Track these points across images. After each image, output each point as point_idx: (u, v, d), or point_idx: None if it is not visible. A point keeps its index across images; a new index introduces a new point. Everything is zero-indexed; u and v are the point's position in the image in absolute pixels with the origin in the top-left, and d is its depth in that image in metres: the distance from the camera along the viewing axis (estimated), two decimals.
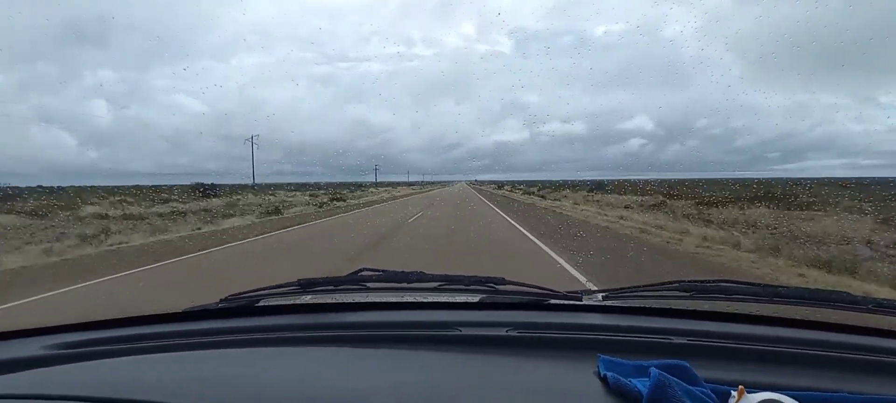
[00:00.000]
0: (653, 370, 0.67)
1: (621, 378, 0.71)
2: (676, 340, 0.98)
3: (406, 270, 1.29)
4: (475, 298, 1.24)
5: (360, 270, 1.31)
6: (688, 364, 0.73)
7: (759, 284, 1.22)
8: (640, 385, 0.67)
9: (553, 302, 1.22)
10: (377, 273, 1.30)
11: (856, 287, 6.08)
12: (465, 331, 1.04)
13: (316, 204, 25.13)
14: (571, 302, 1.22)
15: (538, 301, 1.22)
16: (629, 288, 1.29)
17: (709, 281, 1.21)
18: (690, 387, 0.66)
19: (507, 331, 1.03)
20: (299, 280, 1.27)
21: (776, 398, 0.63)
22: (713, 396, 0.67)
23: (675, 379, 0.65)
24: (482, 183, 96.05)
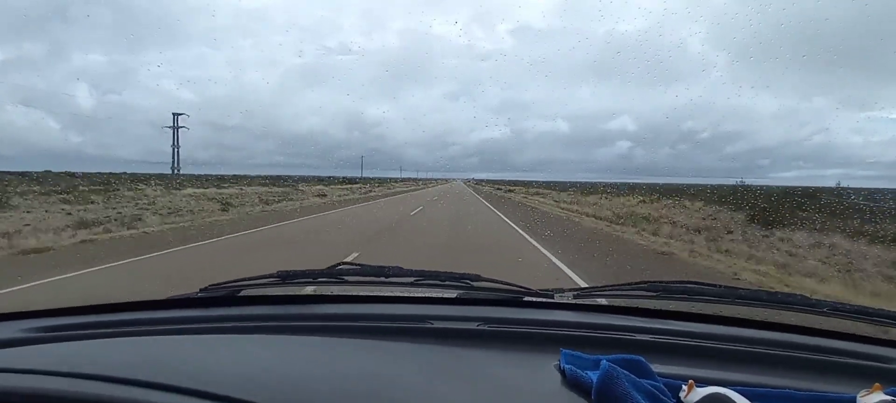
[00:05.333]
0: (603, 362, 0.70)
1: (578, 370, 0.76)
2: (639, 337, 1.04)
3: (384, 265, 1.34)
4: (449, 294, 1.32)
5: (339, 264, 1.37)
6: (643, 359, 0.77)
7: (722, 286, 1.28)
8: (594, 377, 0.70)
9: (525, 299, 1.28)
10: (355, 267, 1.36)
11: None
12: (437, 324, 1.08)
13: None
14: (543, 300, 1.28)
15: (511, 298, 1.29)
16: (600, 287, 1.35)
17: (675, 283, 1.27)
18: (640, 380, 0.70)
19: (477, 325, 1.07)
20: (278, 271, 1.32)
21: (722, 391, 0.67)
22: (664, 389, 0.71)
23: (625, 372, 0.69)
24: (500, 185, 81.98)
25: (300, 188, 35.63)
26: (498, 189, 59.29)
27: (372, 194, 36.52)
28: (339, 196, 31.26)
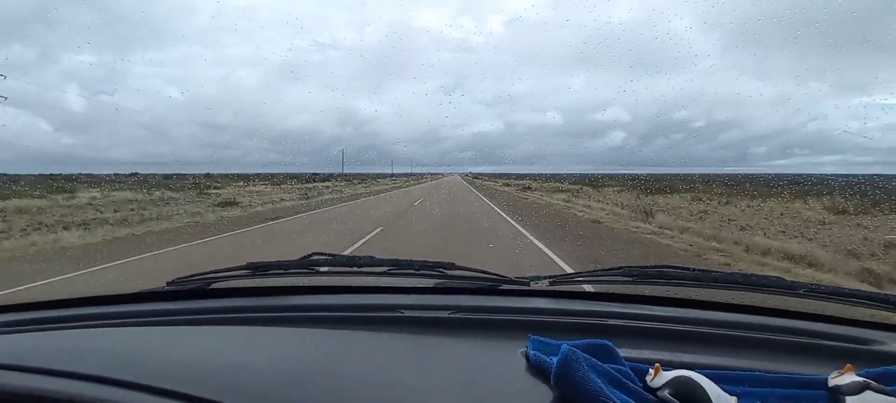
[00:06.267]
0: (563, 346, 0.69)
1: (542, 355, 0.75)
2: (611, 322, 1.03)
3: (356, 255, 1.31)
4: (424, 283, 1.29)
5: (311, 255, 1.33)
6: (610, 344, 0.76)
7: (698, 270, 1.26)
8: (555, 362, 0.70)
9: (501, 287, 1.25)
10: (327, 257, 1.33)
11: None
12: (408, 313, 1.06)
13: None
14: (518, 288, 1.25)
15: (486, 286, 1.26)
16: (576, 274, 1.33)
17: (651, 267, 1.27)
18: (602, 364, 0.69)
19: (449, 314, 1.05)
20: (249, 263, 1.30)
21: (687, 375, 0.67)
22: (630, 373, 0.71)
23: (585, 356, 0.68)
24: (506, 180, 72.30)
25: (213, 190, 23.56)
26: (505, 185, 47.20)
27: (325, 200, 24.53)
28: (270, 203, 19.42)
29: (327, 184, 42.24)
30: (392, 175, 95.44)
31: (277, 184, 33.93)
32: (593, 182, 36.16)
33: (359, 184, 51.20)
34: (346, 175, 65.28)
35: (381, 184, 57.38)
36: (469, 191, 33.67)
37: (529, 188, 33.66)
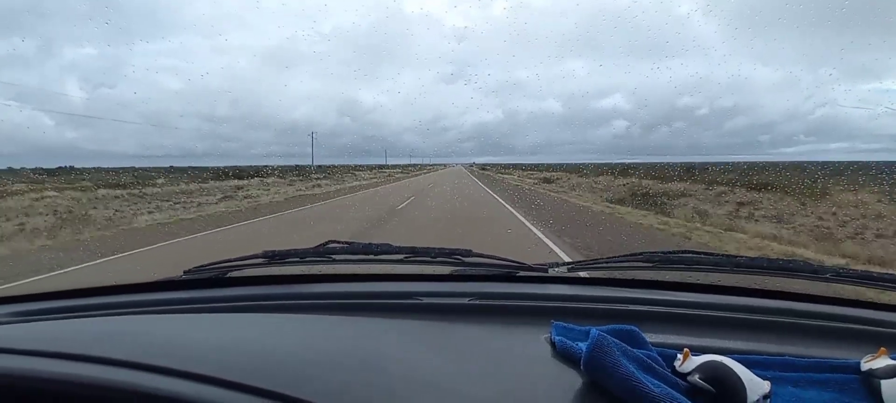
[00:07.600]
0: (592, 331, 0.68)
1: (568, 341, 0.74)
2: (634, 308, 1.01)
3: (373, 242, 1.31)
4: (441, 270, 1.27)
5: (328, 242, 1.34)
6: (637, 329, 0.76)
7: (720, 255, 1.23)
8: (585, 347, 0.69)
9: (519, 274, 1.24)
10: (343, 245, 1.32)
11: None
12: (427, 300, 1.05)
13: None
14: (537, 274, 1.24)
15: (504, 273, 1.25)
16: (595, 259, 1.31)
17: (672, 253, 1.24)
18: (632, 349, 0.68)
19: (468, 301, 1.04)
20: (265, 251, 1.29)
21: (718, 359, 0.65)
22: (658, 359, 0.70)
23: (616, 341, 0.67)
24: (534, 173, 56.68)
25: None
26: (544, 181, 30.56)
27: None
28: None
29: (244, 183, 26.02)
30: (381, 167, 79.63)
31: (95, 189, 17.63)
32: (707, 178, 19.57)
33: (319, 179, 35.73)
34: (324, 167, 49.98)
35: (359, 178, 41.85)
36: (488, 196, 17.04)
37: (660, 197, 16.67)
